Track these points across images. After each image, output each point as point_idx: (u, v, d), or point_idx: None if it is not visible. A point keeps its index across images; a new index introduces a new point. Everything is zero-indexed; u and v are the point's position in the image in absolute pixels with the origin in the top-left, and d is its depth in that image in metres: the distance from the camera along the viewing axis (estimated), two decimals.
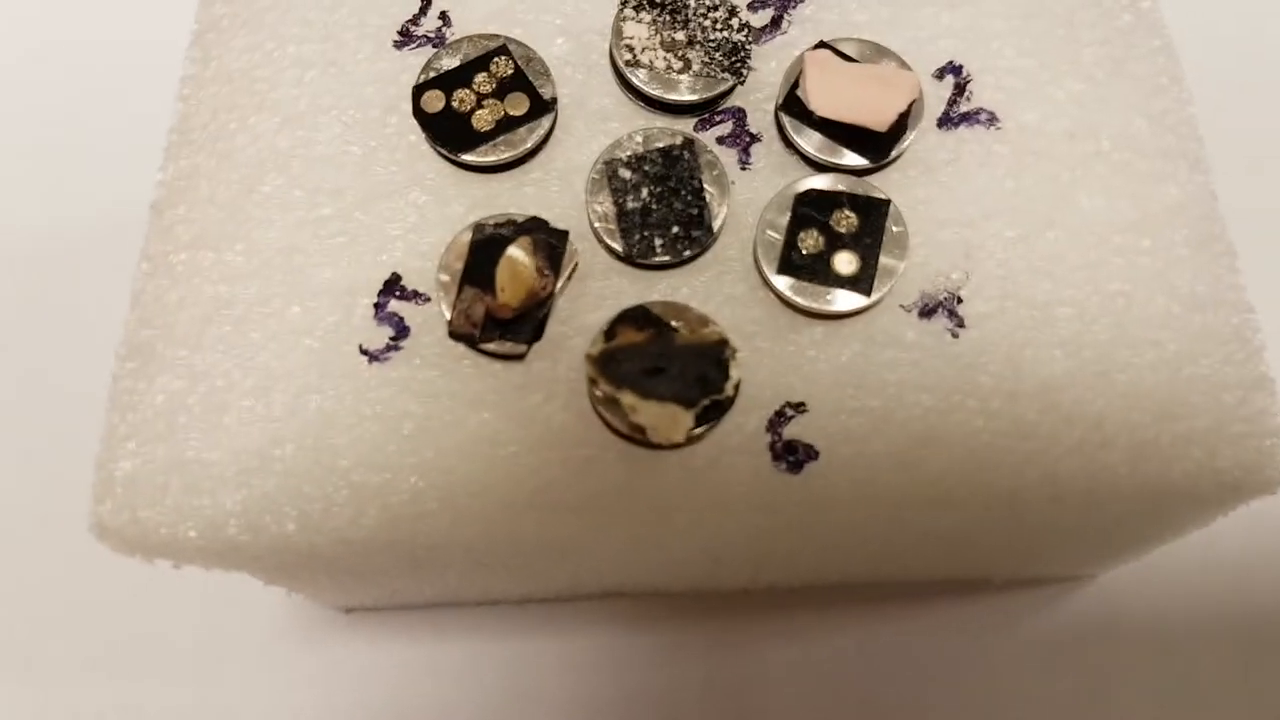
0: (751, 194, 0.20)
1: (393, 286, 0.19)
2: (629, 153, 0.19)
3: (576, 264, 0.19)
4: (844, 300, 0.19)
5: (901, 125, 0.20)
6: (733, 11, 0.20)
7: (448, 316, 0.18)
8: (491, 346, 0.18)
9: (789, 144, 0.20)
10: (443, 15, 0.21)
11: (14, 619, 0.27)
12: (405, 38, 0.21)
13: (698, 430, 0.17)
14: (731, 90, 0.20)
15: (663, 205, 0.19)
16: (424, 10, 0.21)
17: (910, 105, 0.20)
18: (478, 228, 0.19)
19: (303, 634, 0.27)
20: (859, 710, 0.26)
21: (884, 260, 0.19)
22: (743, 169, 0.20)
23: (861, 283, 0.19)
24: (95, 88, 0.32)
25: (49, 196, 0.31)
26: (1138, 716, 0.26)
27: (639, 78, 0.20)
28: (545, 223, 0.19)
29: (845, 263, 0.19)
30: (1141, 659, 0.26)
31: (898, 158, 0.20)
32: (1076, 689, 0.26)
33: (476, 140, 0.20)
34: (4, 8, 0.33)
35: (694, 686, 0.26)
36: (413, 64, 0.21)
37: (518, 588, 0.25)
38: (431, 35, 0.21)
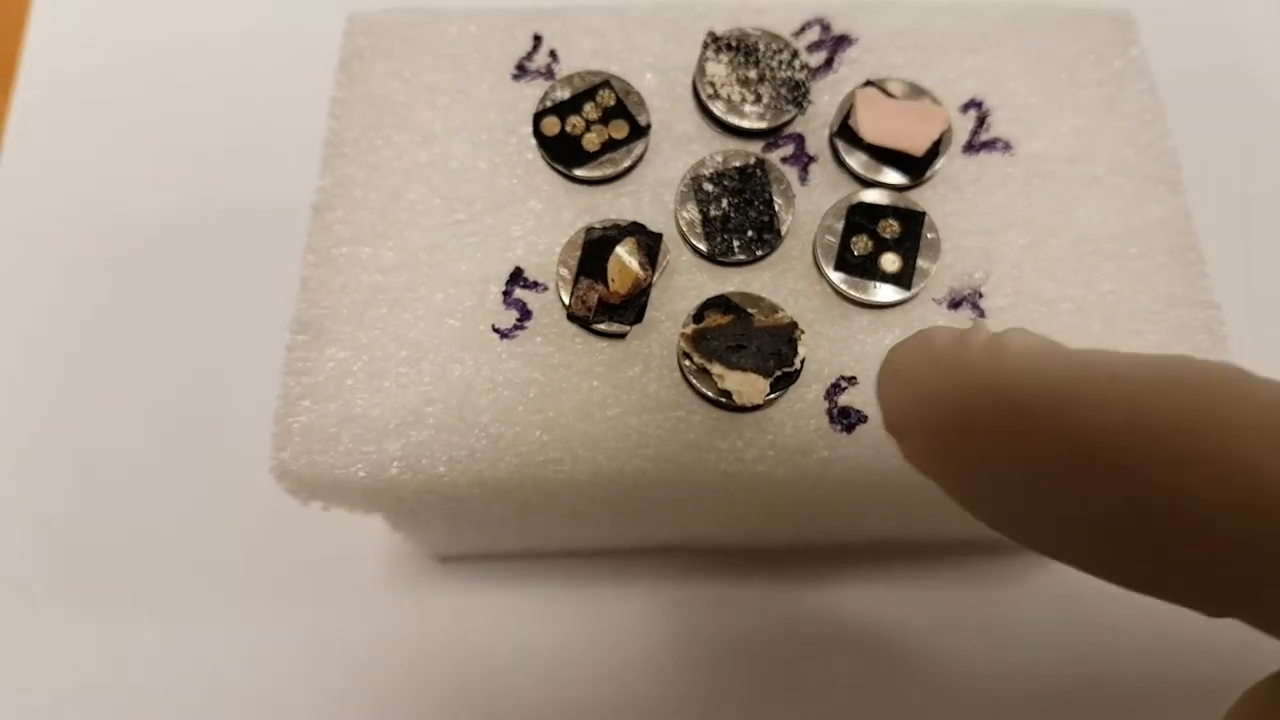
0: (811, 205, 0.24)
1: (517, 278, 0.23)
2: (711, 170, 0.24)
3: (668, 261, 0.23)
4: (887, 293, 0.23)
5: (934, 151, 0.24)
6: (795, 54, 0.24)
7: (566, 301, 0.22)
8: (602, 326, 0.22)
9: (841, 164, 0.24)
10: (552, 53, 0.25)
11: (154, 557, 0.31)
12: (521, 71, 0.25)
13: (772, 395, 0.21)
14: (794, 119, 0.24)
15: (739, 213, 0.23)
16: (536, 48, 0.25)
17: (942, 134, 0.24)
18: (589, 230, 0.23)
19: (403, 580, 0.30)
20: (886, 653, 0.30)
21: (920, 262, 0.23)
22: (803, 184, 0.24)
23: (902, 279, 0.23)
24: (260, 107, 0.37)
25: (219, 194, 0.35)
26: (1134, 659, 0.30)
27: (718, 108, 0.24)
28: (643, 226, 0.23)
29: (890, 263, 0.23)
30: (1134, 607, 0.30)
31: (931, 177, 0.24)
32: (1083, 634, 0.30)
33: (585, 159, 0.24)
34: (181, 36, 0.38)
35: (740, 630, 0.30)
36: (528, 94, 0.25)
37: (596, 540, 0.29)
38: (542, 70, 0.25)
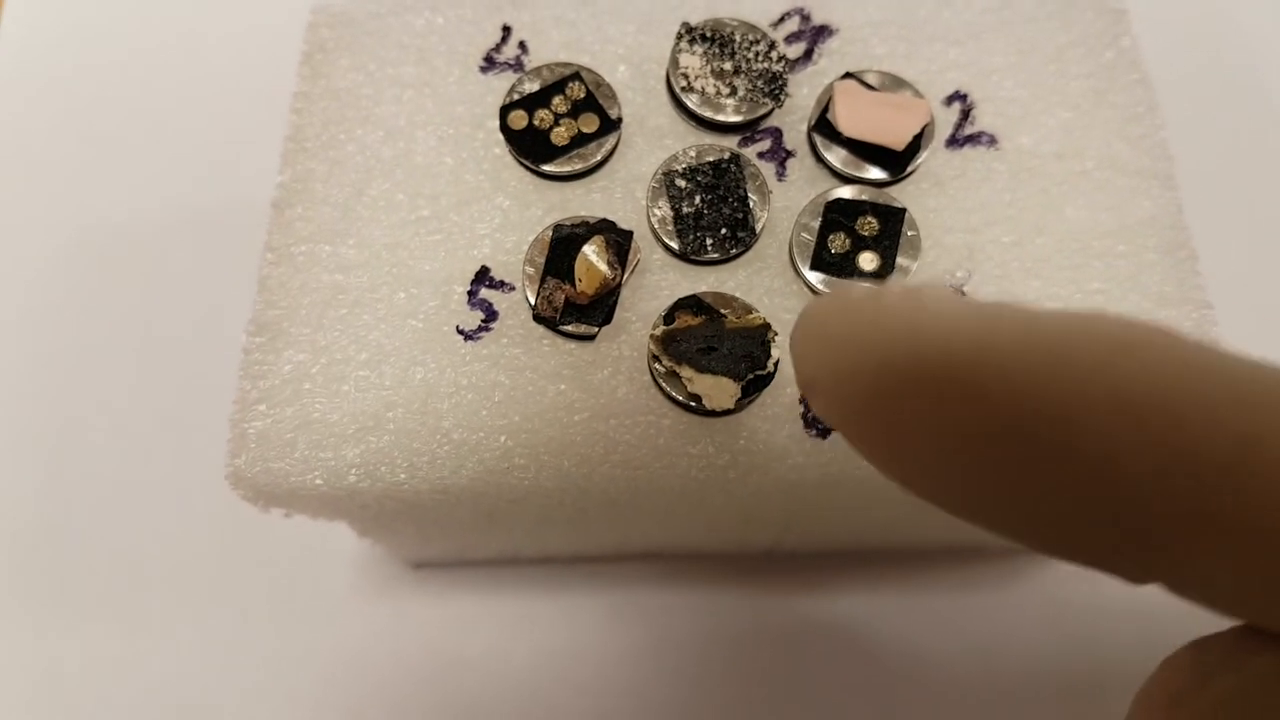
0: (787, 201, 0.23)
1: (483, 277, 0.22)
2: (684, 165, 0.23)
3: (639, 259, 0.22)
4: None
5: (916, 145, 0.23)
6: (772, 45, 0.24)
7: (532, 302, 0.22)
8: (569, 328, 0.21)
9: (819, 159, 0.23)
10: (521, 44, 0.24)
11: (118, 564, 0.30)
12: (489, 63, 0.24)
13: (743, 399, 0.21)
14: (770, 113, 0.23)
15: (713, 210, 0.22)
16: (505, 39, 0.25)
17: (923, 128, 0.23)
18: (557, 227, 0.22)
19: (375, 588, 0.30)
20: (868, 660, 0.30)
21: (900, 259, 0.22)
22: (779, 180, 0.23)
23: (881, 278, 0.22)
24: (220, 100, 0.36)
25: (181, 190, 0.34)
26: (1121, 663, 0.30)
27: (692, 101, 0.23)
28: (613, 224, 0.22)
29: (868, 261, 0.22)
30: (1126, 612, 0.30)
31: (912, 172, 0.23)
32: (1065, 639, 0.30)
33: (554, 153, 0.23)
34: (137, 28, 0.37)
35: (721, 638, 0.30)
36: (496, 86, 0.24)
37: (572, 546, 0.29)
38: (512, 61, 0.24)
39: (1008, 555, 0.31)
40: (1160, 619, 0.31)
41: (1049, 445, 0.11)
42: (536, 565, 0.30)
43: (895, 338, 0.13)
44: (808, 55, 0.24)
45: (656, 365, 0.21)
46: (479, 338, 0.22)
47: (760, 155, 0.23)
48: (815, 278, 0.22)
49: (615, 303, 0.22)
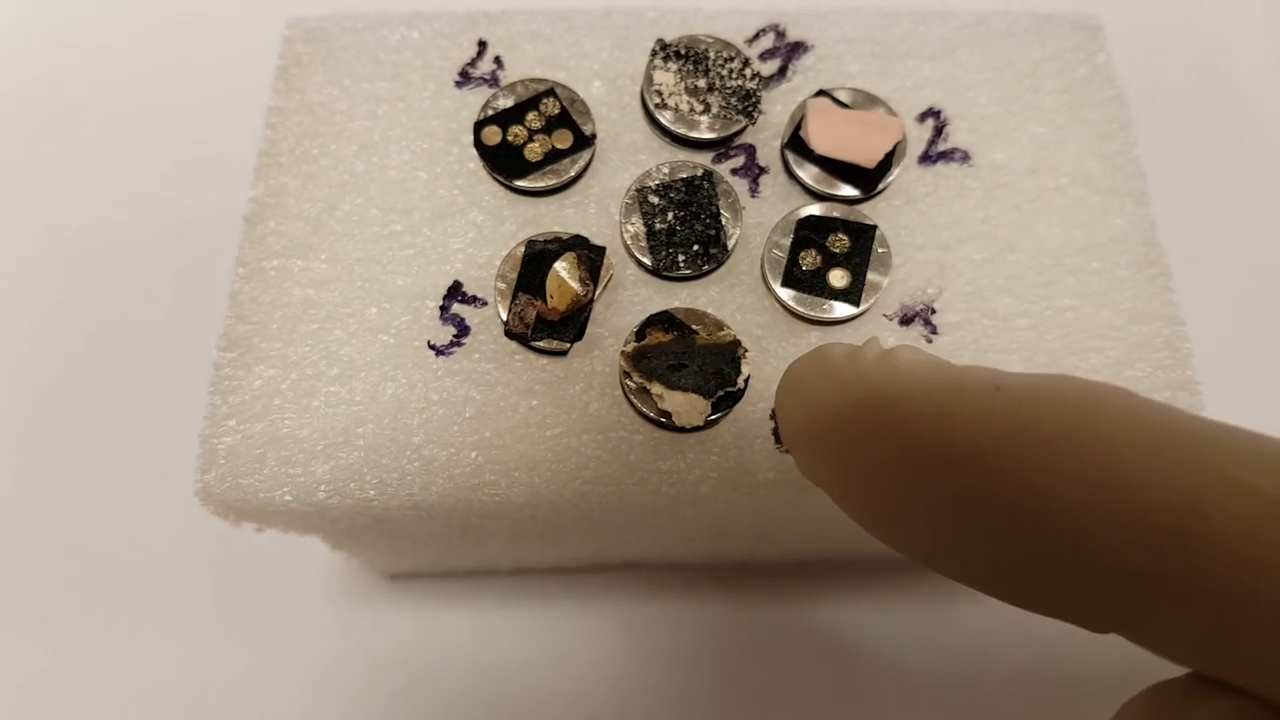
0: (760, 218, 0.23)
1: (455, 292, 0.22)
2: (657, 181, 0.23)
3: (611, 275, 0.22)
4: (837, 309, 0.22)
5: (888, 162, 0.23)
6: (746, 63, 0.24)
7: (504, 318, 0.22)
8: (541, 344, 0.21)
9: (792, 176, 0.23)
10: (497, 59, 0.24)
11: (94, 578, 0.30)
12: (464, 78, 0.24)
13: (714, 416, 0.21)
14: (744, 130, 0.23)
15: (685, 227, 0.22)
16: (480, 54, 0.25)
17: (895, 145, 0.23)
18: (529, 243, 0.22)
19: (351, 599, 0.30)
20: (838, 666, 0.30)
21: (871, 276, 0.22)
22: (752, 196, 0.23)
23: (852, 295, 0.22)
24: (193, 114, 0.36)
25: (155, 203, 0.34)
26: (1099, 673, 0.30)
27: (666, 118, 0.23)
28: (586, 240, 0.22)
29: (838, 278, 0.22)
30: None
31: (884, 189, 0.23)
32: (1042, 647, 0.30)
33: (528, 169, 0.23)
34: (109, 32, 0.37)
35: (698, 648, 0.30)
36: (471, 101, 0.24)
37: (548, 558, 0.29)
38: (487, 77, 0.24)
39: None
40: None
41: (1006, 507, 0.12)
42: (513, 576, 0.30)
43: (869, 397, 0.13)
44: (782, 72, 0.25)
45: (628, 381, 0.21)
46: (451, 353, 0.22)
47: (733, 172, 0.23)
48: (786, 294, 0.22)
49: (587, 318, 0.22)
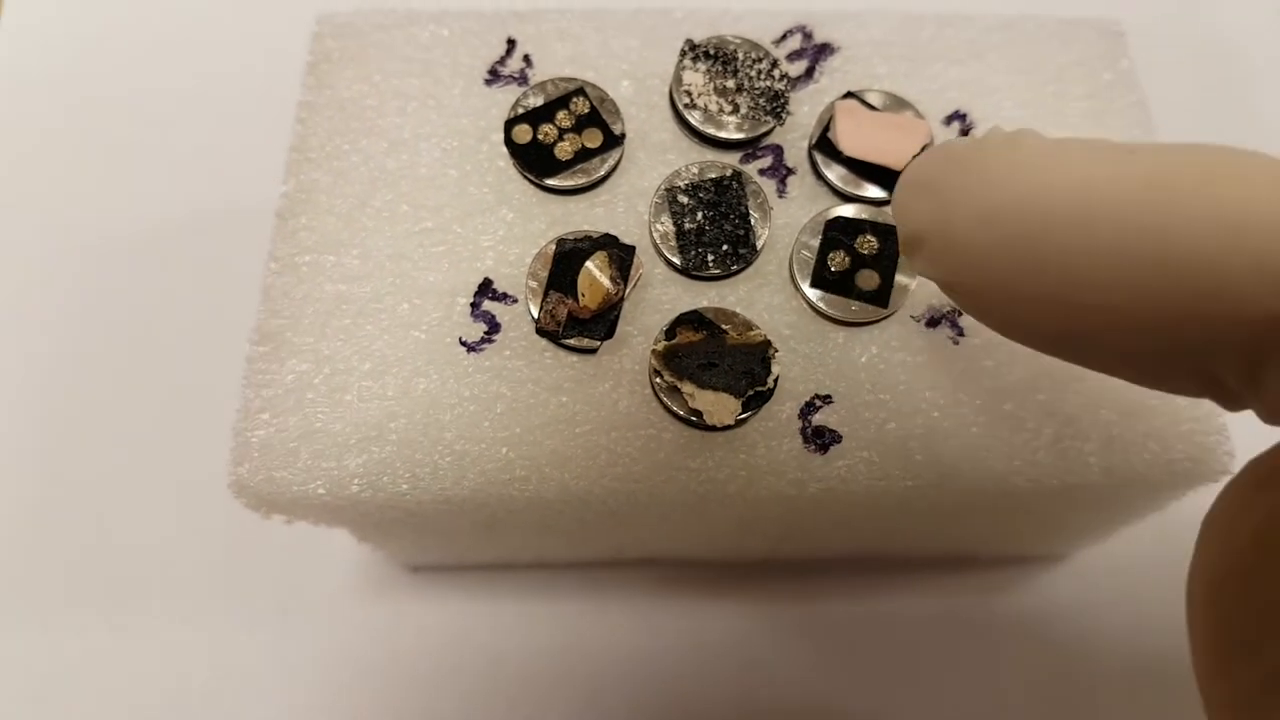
0: (788, 219, 0.23)
1: (486, 289, 0.23)
2: (686, 181, 0.23)
3: (641, 274, 0.22)
4: (865, 311, 0.22)
5: None
6: (775, 64, 0.24)
7: (535, 315, 0.22)
8: (571, 341, 0.22)
9: (820, 177, 0.24)
10: (526, 58, 0.25)
11: (120, 567, 0.30)
12: (494, 76, 0.24)
13: (744, 415, 0.21)
14: (772, 130, 0.24)
15: (714, 226, 0.23)
16: (509, 53, 0.25)
17: (923, 148, 0.23)
18: (560, 241, 0.22)
19: (373, 590, 0.30)
20: (858, 668, 0.30)
21: (899, 278, 0.22)
22: (780, 197, 0.24)
23: (880, 296, 0.22)
24: (224, 109, 0.36)
25: (186, 199, 0.34)
26: (1104, 672, 0.30)
27: (695, 118, 0.23)
28: (616, 239, 0.22)
29: (867, 279, 0.22)
30: (1106, 624, 0.30)
31: None
32: (1055, 647, 0.30)
33: (558, 168, 0.23)
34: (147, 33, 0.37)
35: (715, 643, 0.30)
36: (500, 100, 0.24)
37: (568, 553, 0.29)
38: (516, 75, 0.24)
39: (999, 564, 0.32)
40: (1148, 631, 0.32)
41: (1152, 268, 0.12)
42: (533, 569, 0.30)
43: (1002, 179, 0.13)
44: (809, 73, 0.25)
45: (658, 380, 0.21)
46: (482, 349, 0.22)
47: (761, 172, 0.24)
48: (815, 295, 0.22)
49: (617, 317, 0.22)
